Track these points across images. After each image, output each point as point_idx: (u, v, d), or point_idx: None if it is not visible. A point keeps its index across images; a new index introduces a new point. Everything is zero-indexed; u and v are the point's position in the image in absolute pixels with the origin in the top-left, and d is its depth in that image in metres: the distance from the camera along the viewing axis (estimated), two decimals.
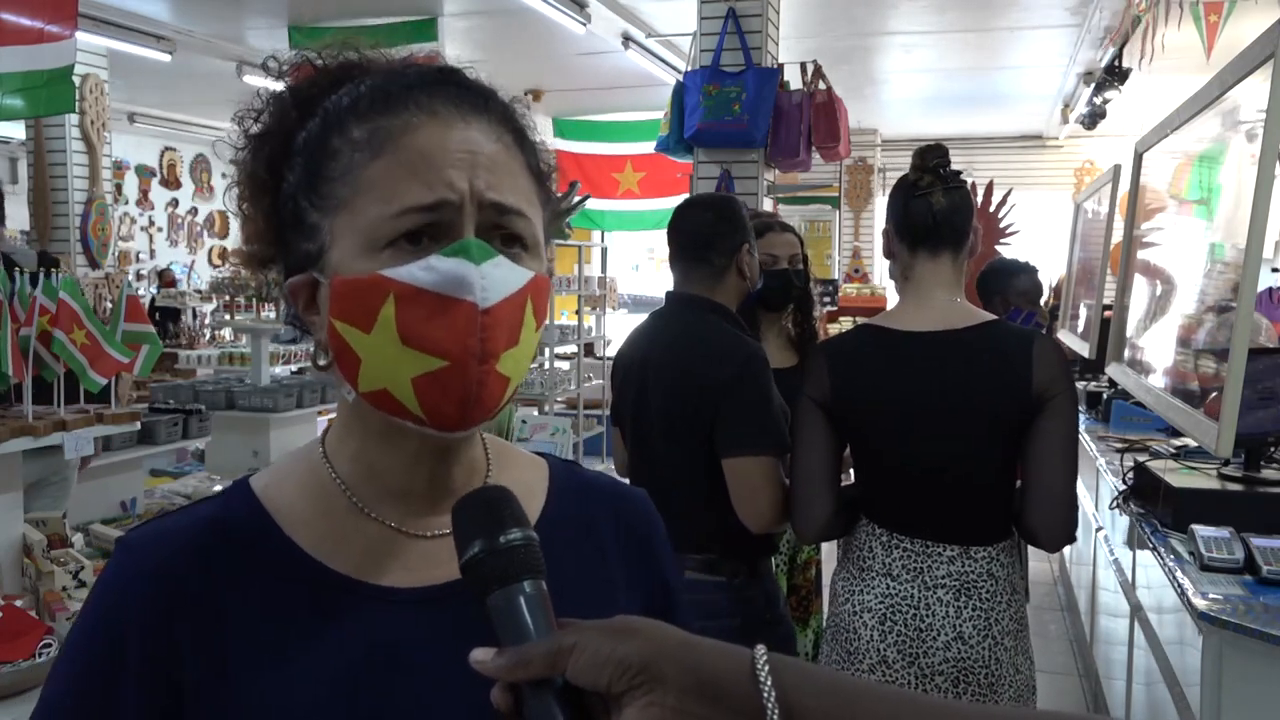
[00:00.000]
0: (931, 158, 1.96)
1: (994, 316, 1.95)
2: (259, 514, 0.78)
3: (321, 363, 0.77)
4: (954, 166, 1.99)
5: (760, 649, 0.62)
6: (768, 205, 4.74)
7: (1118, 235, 4.13)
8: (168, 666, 0.72)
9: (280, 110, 0.78)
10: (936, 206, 1.93)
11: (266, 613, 0.74)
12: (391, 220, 0.70)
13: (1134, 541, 2.89)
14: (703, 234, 2.22)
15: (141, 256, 11.54)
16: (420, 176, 0.70)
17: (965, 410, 1.85)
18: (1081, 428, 3.74)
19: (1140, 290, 3.56)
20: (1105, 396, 4.16)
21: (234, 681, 0.72)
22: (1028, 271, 3.95)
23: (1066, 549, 4.99)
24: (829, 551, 2.40)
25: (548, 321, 0.83)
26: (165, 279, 10.51)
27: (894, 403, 1.89)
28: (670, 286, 2.31)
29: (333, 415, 0.84)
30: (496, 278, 0.70)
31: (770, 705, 0.59)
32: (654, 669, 0.60)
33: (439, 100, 0.74)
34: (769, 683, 0.60)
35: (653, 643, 0.62)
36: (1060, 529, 1.86)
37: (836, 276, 10.34)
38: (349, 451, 0.80)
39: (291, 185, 0.75)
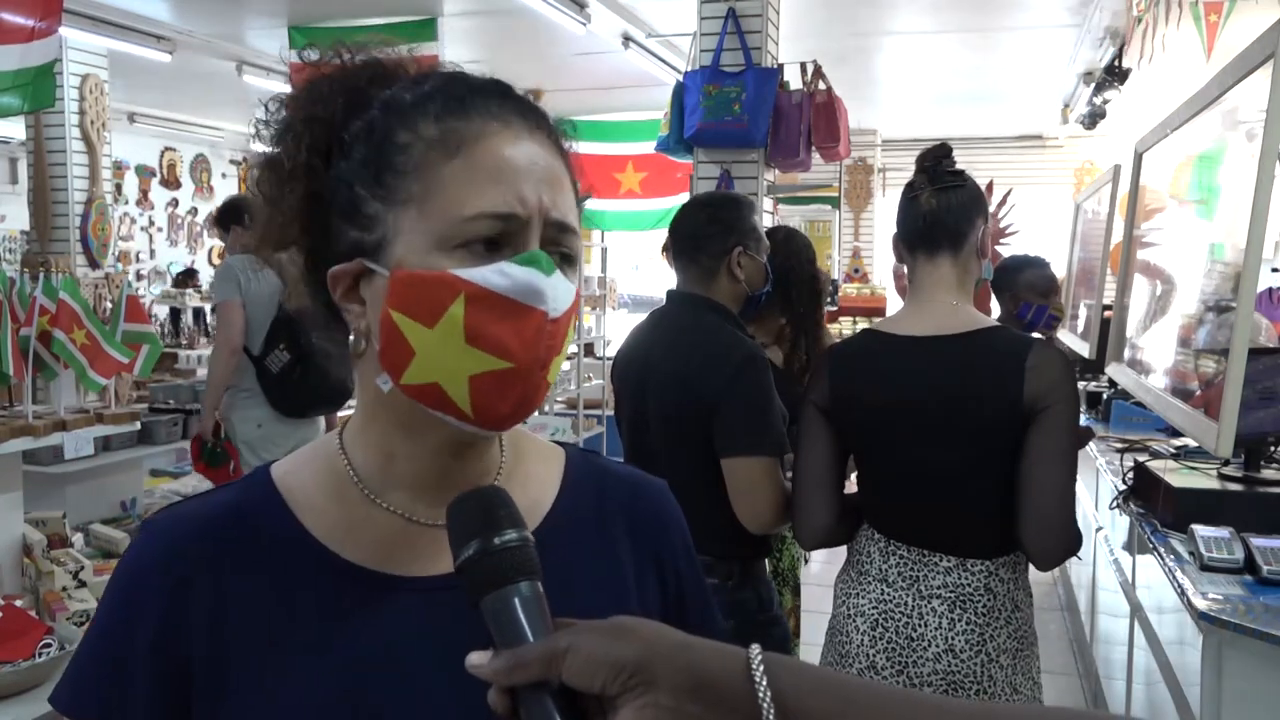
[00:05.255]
0: (926, 158, 1.94)
1: (995, 322, 1.90)
2: (274, 499, 0.79)
3: (360, 349, 0.78)
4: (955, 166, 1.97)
5: (755, 648, 0.62)
6: (768, 205, 4.74)
7: (1118, 235, 4.13)
8: (175, 647, 0.74)
9: (322, 97, 0.79)
10: (925, 207, 1.90)
11: (272, 597, 0.76)
12: (465, 223, 0.72)
13: (1134, 541, 2.89)
14: (692, 234, 2.22)
15: (141, 256, 11.54)
16: (495, 185, 0.72)
17: (956, 418, 1.79)
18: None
19: (1140, 290, 3.56)
20: (1105, 396, 4.16)
21: (235, 663, 0.74)
22: (1035, 265, 3.93)
23: None
24: (823, 556, 2.42)
25: None
26: (187, 280, 10.49)
27: (888, 408, 1.86)
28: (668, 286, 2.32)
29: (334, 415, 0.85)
30: (562, 289, 0.74)
31: (765, 705, 0.59)
32: (649, 670, 0.60)
33: (509, 110, 0.76)
34: (764, 682, 0.60)
35: (648, 643, 0.62)
36: (1050, 549, 1.76)
37: (836, 276, 10.34)
38: (368, 440, 0.81)
39: (346, 172, 0.76)
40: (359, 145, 0.76)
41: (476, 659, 0.63)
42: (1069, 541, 1.77)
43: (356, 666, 0.74)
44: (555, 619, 0.65)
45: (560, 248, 0.76)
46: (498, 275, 0.71)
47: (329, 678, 0.74)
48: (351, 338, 0.78)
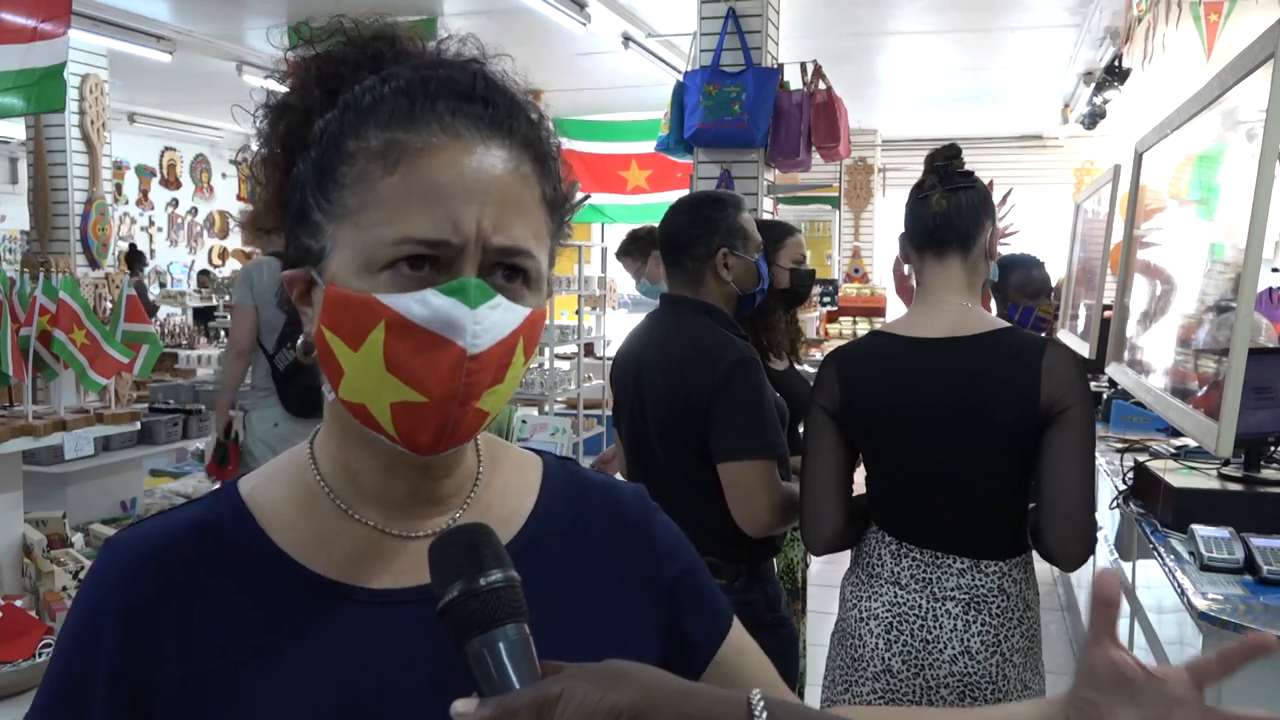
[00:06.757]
0: (937, 158, 1.93)
1: (1008, 323, 1.89)
2: (243, 516, 0.77)
3: (309, 355, 0.76)
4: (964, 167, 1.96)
5: (756, 693, 0.61)
6: (768, 205, 4.74)
7: (1118, 235, 4.13)
8: (141, 668, 0.71)
9: (305, 83, 0.76)
10: (935, 208, 1.89)
11: (245, 615, 0.73)
12: (391, 245, 0.68)
13: (1134, 542, 2.89)
14: (675, 237, 2.20)
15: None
16: (429, 207, 0.68)
17: (971, 420, 1.79)
18: None
19: (1140, 290, 3.56)
20: (1105, 396, 4.16)
21: (210, 684, 0.71)
22: (1024, 265, 3.91)
23: None
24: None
25: (547, 321, 0.81)
26: (203, 280, 10.52)
27: (901, 410, 1.84)
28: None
29: None
30: (491, 321, 0.69)
31: None
32: (648, 717, 0.59)
33: (463, 119, 0.71)
34: None
35: (644, 690, 0.60)
36: (1074, 550, 1.77)
37: (836, 276, 10.35)
38: (330, 453, 0.79)
39: (301, 175, 0.73)
40: (314, 147, 0.73)
41: (462, 706, 0.61)
42: (1090, 540, 1.78)
43: (338, 685, 0.72)
44: (543, 662, 0.64)
45: (508, 266, 0.71)
46: (418, 304, 0.67)
47: (310, 696, 0.71)
48: (300, 340, 0.76)
